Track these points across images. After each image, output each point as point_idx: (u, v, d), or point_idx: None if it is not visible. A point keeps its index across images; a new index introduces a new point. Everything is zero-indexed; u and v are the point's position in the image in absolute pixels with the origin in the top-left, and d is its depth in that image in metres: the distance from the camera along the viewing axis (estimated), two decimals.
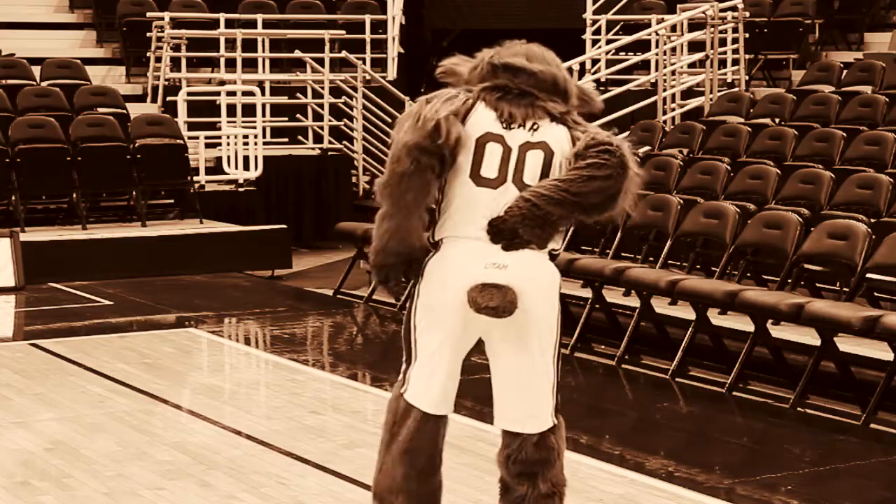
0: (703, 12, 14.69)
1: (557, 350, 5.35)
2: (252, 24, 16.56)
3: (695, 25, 15.14)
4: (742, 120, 12.78)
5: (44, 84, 14.88)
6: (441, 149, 5.07)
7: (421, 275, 5.27)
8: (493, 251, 5.10)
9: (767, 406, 8.17)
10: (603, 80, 15.79)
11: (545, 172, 5.14)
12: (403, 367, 5.35)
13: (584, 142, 5.11)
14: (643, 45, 15.88)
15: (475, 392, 8.41)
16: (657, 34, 15.07)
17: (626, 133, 13.49)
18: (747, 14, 15.21)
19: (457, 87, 5.32)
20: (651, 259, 10.31)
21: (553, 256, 5.34)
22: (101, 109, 14.47)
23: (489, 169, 5.14)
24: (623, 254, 10.58)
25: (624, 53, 16.06)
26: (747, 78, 15.23)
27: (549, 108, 5.20)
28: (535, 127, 5.18)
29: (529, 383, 5.27)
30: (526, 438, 5.27)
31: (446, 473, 6.37)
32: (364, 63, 16.16)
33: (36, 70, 15.15)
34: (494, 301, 5.08)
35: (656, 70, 14.75)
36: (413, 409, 5.29)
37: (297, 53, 16.12)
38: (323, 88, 15.99)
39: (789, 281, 9.14)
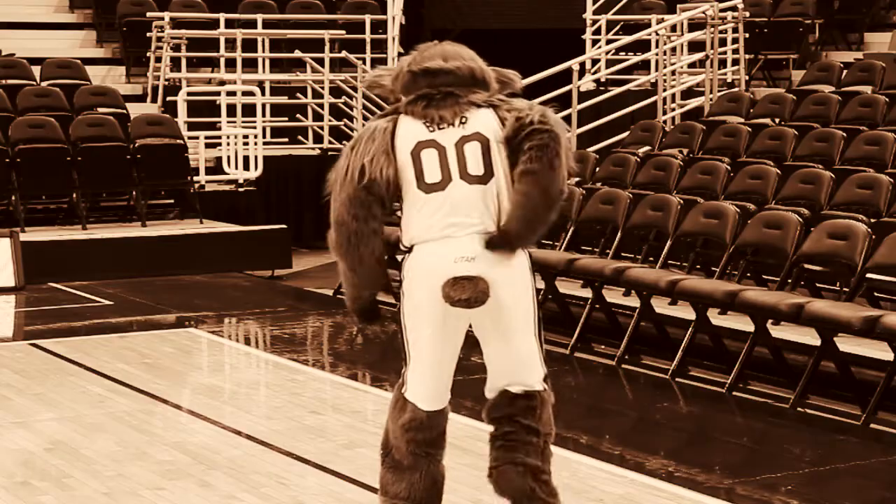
0: (703, 12, 14.68)
1: (538, 326, 5.59)
2: (252, 24, 16.56)
3: (695, 25, 15.14)
4: (742, 120, 12.77)
5: (44, 84, 14.88)
6: (375, 192, 5.44)
7: (402, 277, 5.55)
8: (460, 245, 5.39)
9: (767, 406, 8.17)
10: (603, 80, 15.79)
11: (486, 159, 5.40)
12: (403, 368, 5.62)
13: (512, 126, 5.38)
14: (643, 45, 15.88)
15: (475, 392, 8.40)
16: (657, 34, 15.07)
17: (626, 133, 13.52)
18: (747, 14, 15.21)
19: (384, 97, 5.67)
20: (651, 259, 10.31)
21: None
22: (101, 109, 14.48)
23: (432, 175, 5.42)
24: (623, 254, 10.58)
25: (624, 53, 16.06)
26: (747, 78, 15.23)
27: (472, 100, 5.46)
28: (463, 121, 5.44)
29: (517, 362, 5.58)
30: (515, 396, 5.60)
31: (447, 474, 6.38)
32: (364, 63, 16.16)
33: (36, 70, 15.15)
34: (466, 293, 5.36)
35: (656, 70, 14.75)
36: (411, 405, 5.57)
37: (297, 53, 16.12)
38: (323, 88, 15.99)
39: (789, 281, 9.14)
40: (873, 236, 8.54)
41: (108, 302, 11.49)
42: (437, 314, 5.48)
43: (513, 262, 5.50)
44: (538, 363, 5.60)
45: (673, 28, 15.27)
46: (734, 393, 8.38)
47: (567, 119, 14.03)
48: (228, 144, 14.71)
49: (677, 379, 8.73)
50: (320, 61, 16.07)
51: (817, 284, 9.54)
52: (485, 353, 5.67)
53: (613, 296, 9.79)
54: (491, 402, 5.68)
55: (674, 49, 15.16)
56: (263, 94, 15.77)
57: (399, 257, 5.65)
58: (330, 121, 16.01)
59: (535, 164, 5.34)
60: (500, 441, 5.71)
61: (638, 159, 11.57)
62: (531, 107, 5.45)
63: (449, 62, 5.52)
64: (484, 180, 5.42)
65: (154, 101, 15.71)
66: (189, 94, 15.08)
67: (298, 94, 16.38)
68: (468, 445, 7.05)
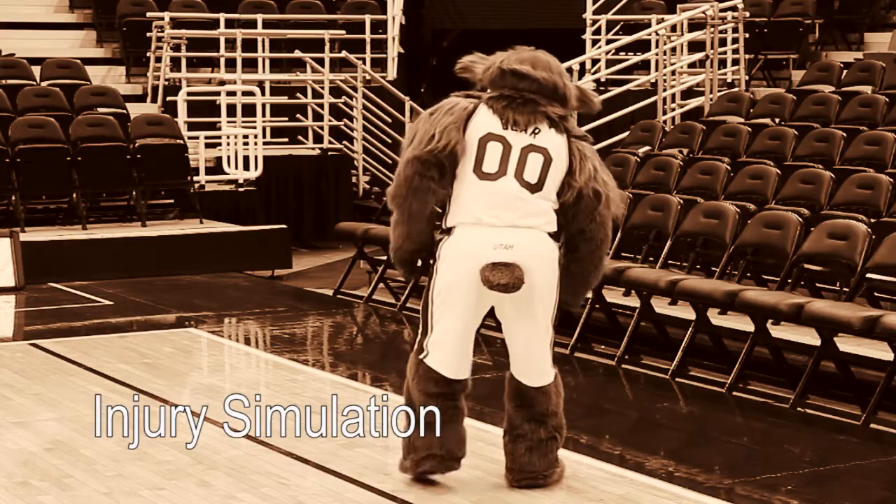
0: (703, 12, 14.69)
1: (556, 310, 6.26)
2: (252, 24, 16.55)
3: (695, 25, 15.14)
4: (742, 120, 12.77)
5: (44, 84, 14.88)
6: (439, 158, 5.98)
7: (437, 258, 6.11)
8: (500, 233, 5.98)
9: (767, 406, 8.17)
10: (603, 80, 15.79)
11: (544, 173, 6.01)
12: (419, 337, 6.25)
13: (577, 191, 6.07)
14: (643, 45, 15.88)
15: (475, 392, 8.40)
16: (657, 34, 15.07)
17: (626, 133, 13.51)
18: (747, 14, 15.21)
19: (472, 82, 6.19)
20: (651, 259, 10.31)
21: (553, 235, 6.12)
22: (101, 109, 14.47)
23: (490, 164, 6.00)
24: (623, 254, 10.58)
25: (624, 53, 16.06)
26: (747, 78, 15.23)
27: (549, 113, 6.02)
28: (536, 131, 6.03)
29: (536, 343, 6.19)
30: (537, 390, 6.22)
31: (447, 474, 6.38)
32: (364, 63, 16.16)
33: (36, 70, 15.14)
34: (505, 279, 5.92)
35: (656, 70, 14.75)
36: (435, 373, 6.16)
37: (297, 53, 16.11)
38: (323, 88, 15.99)
39: (789, 281, 9.14)
40: (873, 236, 8.55)
41: (108, 302, 11.48)
42: (472, 293, 6.02)
43: (547, 254, 6.08)
44: (550, 348, 6.24)
45: (673, 28, 15.27)
46: (734, 393, 8.38)
47: None
48: (228, 144, 14.70)
49: (677, 379, 8.73)
50: (320, 61, 16.06)
51: (817, 284, 9.54)
52: (507, 335, 6.26)
53: (613, 296, 9.79)
54: (515, 398, 6.29)
55: (674, 49, 15.16)
56: (263, 94, 15.77)
57: (437, 237, 6.16)
58: (330, 121, 16.00)
59: (593, 240, 6.16)
60: (525, 445, 6.29)
61: (638, 159, 11.57)
62: (595, 172, 6.10)
63: (537, 71, 6.04)
64: (534, 189, 6.01)
65: (154, 101, 15.71)
66: (189, 94, 15.08)
67: (298, 94, 16.37)
68: (468, 445, 7.04)
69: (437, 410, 6.19)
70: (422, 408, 6.20)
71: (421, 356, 6.20)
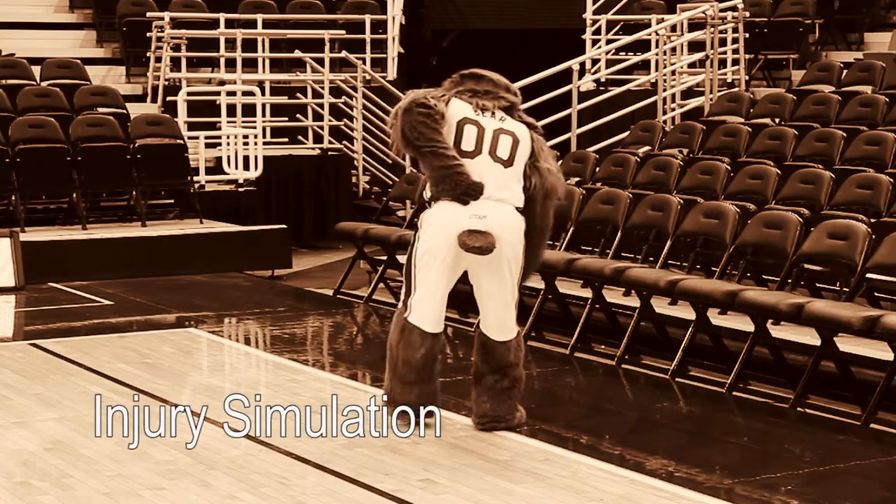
0: (703, 12, 14.69)
1: (521, 275, 7.15)
2: (252, 24, 16.56)
3: (695, 25, 15.15)
4: (742, 120, 12.77)
5: (44, 84, 14.88)
6: (433, 106, 6.95)
7: (420, 226, 7.08)
8: (476, 205, 6.94)
9: (767, 406, 8.17)
10: (603, 80, 15.80)
11: (514, 152, 7.05)
12: (403, 297, 7.16)
13: (541, 185, 7.12)
14: (643, 45, 15.89)
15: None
16: (657, 34, 15.07)
17: (626, 133, 13.52)
18: (747, 14, 15.22)
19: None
20: (651, 259, 10.31)
21: (518, 209, 7.07)
22: (101, 109, 14.47)
23: (468, 144, 7.01)
24: (623, 254, 10.58)
25: (624, 53, 16.07)
26: (747, 78, 15.24)
27: (508, 100, 7.17)
28: (502, 118, 7.12)
29: (503, 303, 7.14)
30: (501, 344, 7.16)
31: (446, 473, 6.39)
32: (364, 63, 16.16)
33: (36, 70, 15.14)
34: (479, 243, 6.86)
35: (656, 70, 14.75)
36: (416, 328, 7.05)
37: (297, 53, 16.12)
38: (323, 88, 15.99)
39: (789, 281, 9.14)
40: (873, 236, 8.54)
41: (108, 302, 11.48)
42: (450, 256, 6.97)
43: (515, 224, 7.04)
44: (514, 307, 7.18)
45: (673, 28, 15.27)
46: (734, 393, 8.38)
47: (567, 119, 14.06)
48: (228, 144, 14.71)
49: (677, 379, 8.73)
50: (320, 61, 16.07)
51: (817, 284, 9.54)
52: (478, 294, 7.18)
53: (613, 296, 9.79)
54: (483, 351, 7.19)
55: (674, 49, 15.17)
56: (263, 94, 15.77)
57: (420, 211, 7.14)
58: (330, 121, 16.01)
59: (543, 224, 7.19)
60: (488, 394, 7.21)
61: (638, 159, 11.57)
62: (550, 170, 7.16)
63: (489, 73, 7.30)
64: (506, 164, 7.03)
65: (154, 101, 15.71)
66: (189, 94, 15.08)
67: (298, 94, 16.37)
68: (468, 445, 7.05)
69: (414, 371, 7.09)
70: (404, 364, 7.09)
71: (405, 315, 7.10)
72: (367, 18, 16.87)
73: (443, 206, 6.98)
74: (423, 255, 7.03)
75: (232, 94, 15.20)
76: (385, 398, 7.33)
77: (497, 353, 7.18)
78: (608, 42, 16.39)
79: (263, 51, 16.40)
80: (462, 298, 9.22)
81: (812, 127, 11.79)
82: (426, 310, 7.06)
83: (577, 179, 11.81)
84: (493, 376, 7.20)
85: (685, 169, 11.04)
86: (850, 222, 8.74)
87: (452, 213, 6.93)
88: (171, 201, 14.53)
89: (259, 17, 16.68)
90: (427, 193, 7.07)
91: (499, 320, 7.16)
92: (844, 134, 11.24)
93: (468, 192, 6.95)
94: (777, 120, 12.61)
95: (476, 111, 7.08)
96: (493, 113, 7.10)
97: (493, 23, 20.80)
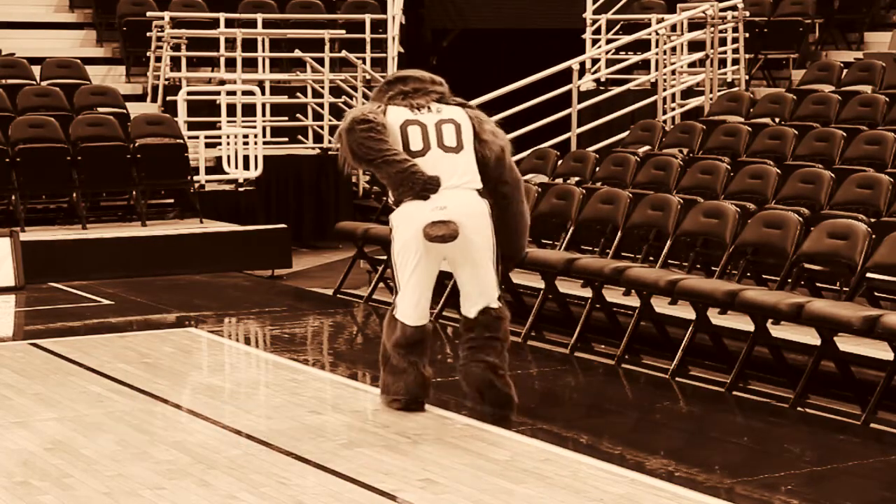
0: (703, 12, 14.69)
1: (496, 256, 7.56)
2: (252, 24, 16.55)
3: (695, 25, 15.15)
4: (742, 120, 12.77)
5: (44, 84, 14.88)
6: (373, 120, 7.38)
7: (391, 228, 7.52)
8: (435, 198, 7.34)
9: (767, 406, 8.17)
10: (603, 79, 15.79)
11: (459, 137, 7.49)
12: (393, 297, 7.64)
13: (492, 151, 7.58)
14: (643, 45, 15.88)
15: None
16: (657, 34, 15.07)
17: (626, 133, 13.52)
18: (747, 14, 15.22)
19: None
20: (651, 259, 10.31)
21: (480, 192, 7.50)
22: (101, 109, 14.47)
23: (415, 144, 7.43)
24: (623, 254, 10.57)
25: (624, 53, 16.07)
26: (747, 78, 15.24)
27: (437, 91, 7.61)
28: (439, 110, 7.53)
29: (478, 279, 7.55)
30: (483, 313, 7.55)
31: (446, 473, 6.39)
32: (364, 63, 16.16)
33: (36, 70, 15.14)
34: (440, 231, 7.27)
35: (656, 70, 14.75)
36: (401, 324, 7.52)
37: (297, 53, 16.12)
38: (323, 88, 15.99)
39: (789, 281, 9.14)
40: (873, 236, 8.54)
41: (107, 302, 11.48)
42: (420, 250, 7.39)
43: (476, 209, 7.46)
44: (496, 287, 7.58)
45: (673, 28, 15.27)
46: (734, 393, 8.38)
47: (567, 119, 14.06)
48: (228, 144, 14.70)
49: (677, 379, 8.73)
50: (320, 61, 16.07)
51: (817, 284, 9.54)
52: (457, 279, 7.65)
53: (613, 296, 9.79)
54: (465, 319, 7.60)
55: (674, 49, 15.17)
56: (263, 93, 15.76)
57: (390, 215, 7.55)
58: (330, 120, 16.00)
59: (510, 183, 7.64)
60: (469, 345, 7.57)
61: (638, 159, 11.57)
62: (493, 130, 7.64)
63: (411, 70, 7.76)
64: (457, 150, 7.46)
65: (154, 100, 15.71)
66: (189, 93, 15.07)
67: (298, 94, 16.37)
68: (468, 445, 7.05)
69: (404, 362, 7.55)
70: (394, 357, 7.57)
71: (393, 312, 7.59)
72: (367, 18, 16.86)
73: (406, 205, 7.41)
74: (398, 254, 7.49)
75: (232, 93, 15.19)
76: (380, 393, 7.84)
77: (480, 324, 7.55)
78: (608, 42, 16.39)
79: (263, 50, 16.40)
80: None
81: (812, 127, 11.79)
82: (407, 304, 7.52)
83: (577, 179, 11.82)
84: (466, 348, 7.63)
85: (685, 169, 11.04)
86: (850, 222, 8.74)
87: (415, 210, 7.36)
88: (171, 201, 14.53)
89: (259, 17, 16.67)
90: (391, 199, 7.54)
91: (476, 296, 7.56)
92: (844, 134, 11.24)
93: (426, 187, 7.33)
94: (777, 120, 12.61)
95: (413, 111, 7.49)
96: (429, 108, 7.54)
97: (493, 23, 20.79)
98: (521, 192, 7.72)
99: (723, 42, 15.19)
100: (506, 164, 7.61)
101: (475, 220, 7.43)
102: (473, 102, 13.59)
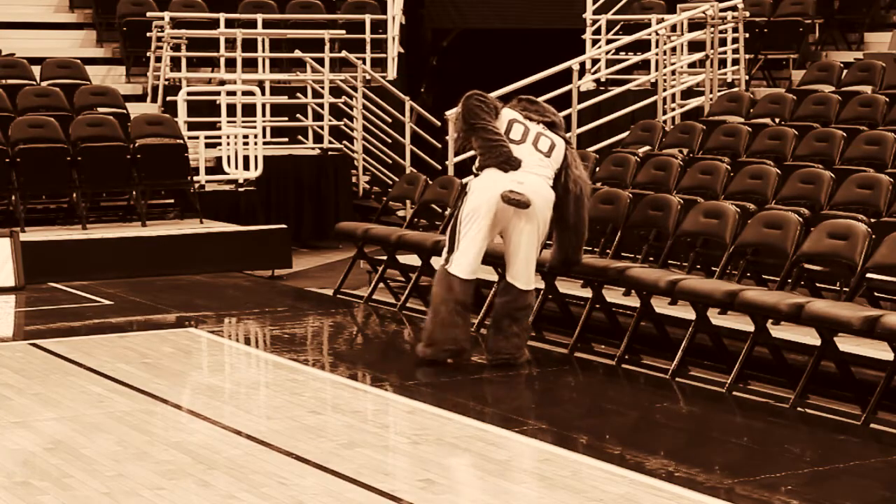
0: (703, 12, 14.69)
1: (542, 241, 8.85)
2: (252, 24, 16.56)
3: (695, 25, 15.14)
4: (742, 120, 12.77)
5: (44, 84, 14.88)
6: (488, 97, 8.84)
7: (467, 191, 8.72)
8: (515, 174, 8.64)
9: (767, 406, 8.17)
10: (603, 80, 15.79)
11: (551, 150, 8.83)
12: (446, 254, 8.71)
13: (577, 185, 8.91)
14: (643, 45, 15.88)
15: (475, 392, 8.43)
16: (657, 34, 15.07)
17: (626, 133, 13.52)
18: (747, 14, 15.21)
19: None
20: (651, 259, 10.31)
21: (550, 186, 8.79)
22: (101, 109, 14.47)
23: (515, 135, 8.81)
24: (623, 254, 10.57)
25: (624, 53, 16.07)
26: (747, 78, 15.24)
27: (549, 117, 9.01)
28: (544, 128, 8.91)
29: (529, 256, 8.76)
30: (521, 292, 8.79)
31: (446, 473, 6.39)
32: (364, 63, 16.16)
33: (36, 70, 15.14)
34: (519, 196, 8.53)
35: (656, 70, 14.75)
36: (455, 278, 8.60)
37: (297, 53, 16.12)
38: (323, 88, 16.00)
39: (789, 281, 9.14)
40: (873, 236, 8.54)
41: (108, 302, 11.49)
42: (489, 215, 8.57)
43: (547, 196, 8.72)
44: (534, 269, 8.84)
45: (673, 28, 15.27)
46: (734, 393, 8.38)
47: (567, 119, 14.06)
48: (228, 144, 14.71)
49: (677, 379, 8.73)
50: (320, 61, 16.07)
51: (817, 284, 9.54)
52: (507, 248, 8.76)
53: (613, 296, 9.79)
54: (505, 298, 8.78)
55: (674, 49, 15.16)
56: (263, 94, 15.77)
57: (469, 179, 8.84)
58: (330, 121, 16.01)
59: (578, 223, 9.00)
60: (503, 334, 8.78)
61: (638, 159, 11.56)
62: (581, 176, 8.94)
63: (538, 100, 9.20)
64: (545, 155, 8.79)
65: (154, 100, 15.71)
66: (189, 93, 15.08)
67: (298, 94, 16.37)
68: (468, 445, 7.06)
69: (455, 315, 8.58)
70: (444, 310, 8.57)
71: (447, 266, 8.62)
72: (367, 18, 16.87)
73: (487, 173, 8.65)
74: (468, 213, 8.59)
75: (232, 93, 15.20)
76: (423, 346, 8.81)
77: (518, 299, 8.75)
78: (608, 42, 16.38)
79: (263, 51, 16.40)
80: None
81: (812, 127, 11.79)
82: (464, 260, 8.59)
83: None
84: (507, 320, 8.77)
85: (685, 169, 11.03)
86: (850, 222, 8.74)
87: (495, 179, 8.60)
88: (171, 201, 14.53)
89: (259, 17, 16.68)
90: (476, 166, 8.75)
91: (524, 271, 8.73)
92: (844, 134, 11.23)
93: (509, 161, 8.63)
94: (777, 120, 12.60)
95: (523, 117, 8.89)
96: (538, 122, 8.90)
97: (493, 22, 20.80)
98: (581, 237, 9.07)
99: (723, 42, 15.19)
100: (583, 203, 8.91)
101: (543, 204, 8.67)
102: None
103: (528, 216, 8.63)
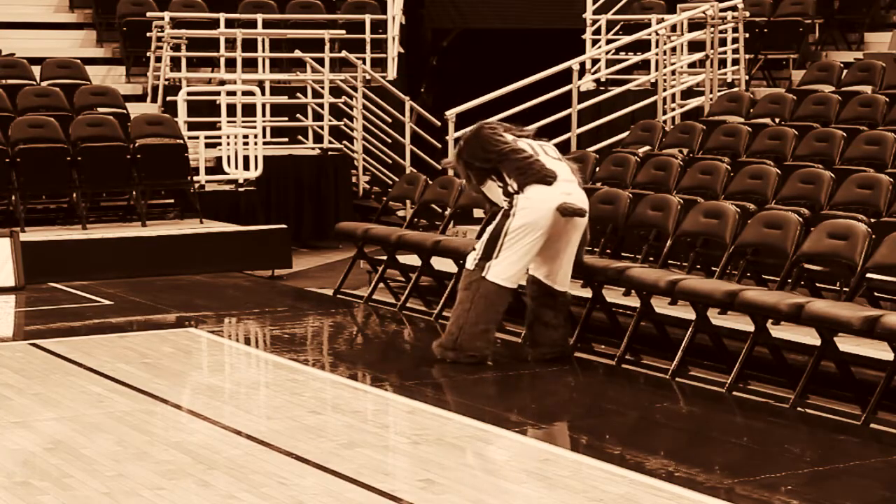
0: (703, 12, 14.69)
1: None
2: (252, 24, 16.56)
3: (695, 25, 15.14)
4: (742, 120, 12.77)
5: (44, 84, 14.88)
6: (497, 125, 9.16)
7: (514, 206, 8.78)
8: (560, 185, 8.83)
9: (767, 406, 8.17)
10: (603, 80, 15.79)
11: (558, 154, 9.19)
12: (478, 260, 8.81)
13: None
14: (643, 45, 15.88)
15: (475, 392, 8.43)
16: (657, 34, 15.07)
17: (626, 133, 13.52)
18: (747, 14, 15.21)
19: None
20: (651, 259, 10.31)
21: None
22: (101, 109, 14.47)
23: (527, 150, 8.91)
24: (623, 254, 10.58)
25: (624, 53, 16.07)
26: (747, 78, 15.24)
27: (525, 130, 9.31)
28: (536, 141, 9.21)
29: (569, 261, 9.03)
30: (561, 293, 9.06)
31: (446, 473, 6.40)
32: (364, 63, 16.16)
33: (36, 70, 15.14)
34: (576, 206, 8.78)
35: (656, 70, 14.75)
36: (495, 285, 8.75)
37: (297, 53, 16.12)
38: (323, 88, 16.00)
39: (789, 281, 9.14)
40: (873, 236, 8.54)
41: (108, 302, 11.49)
42: (544, 229, 8.73)
43: (587, 200, 8.98)
44: (568, 277, 9.12)
45: (673, 28, 15.27)
46: (734, 393, 8.38)
47: (567, 119, 14.06)
48: (228, 144, 14.71)
49: (677, 379, 8.73)
50: (320, 61, 16.07)
51: (817, 284, 9.54)
52: (550, 252, 8.90)
53: (613, 296, 9.79)
54: (543, 294, 9.01)
55: (674, 49, 15.17)
56: (263, 94, 15.77)
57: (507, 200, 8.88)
58: (330, 121, 16.01)
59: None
60: (552, 324, 9.05)
61: (638, 159, 11.56)
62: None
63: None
64: (559, 160, 9.06)
65: (154, 100, 15.71)
66: (189, 93, 15.08)
67: (298, 94, 16.37)
68: (468, 445, 7.06)
69: (487, 322, 8.79)
70: (477, 316, 8.74)
71: (483, 274, 8.76)
72: (367, 18, 16.87)
73: (533, 190, 8.77)
74: (519, 227, 8.71)
75: (232, 93, 15.20)
76: (445, 349, 8.88)
77: (557, 299, 9.01)
78: (608, 42, 16.39)
79: (263, 51, 16.40)
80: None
81: (812, 127, 11.78)
82: (512, 270, 8.77)
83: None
84: (550, 312, 9.01)
85: (685, 169, 11.03)
86: (850, 222, 8.73)
87: (547, 193, 8.77)
88: (171, 201, 14.53)
89: (259, 17, 16.68)
90: (514, 186, 8.80)
91: (563, 274, 9.00)
92: (844, 134, 11.23)
93: (547, 175, 8.79)
94: (777, 120, 12.60)
95: (517, 136, 9.09)
96: (528, 138, 9.15)
97: (493, 22, 20.80)
98: (586, 233, 9.27)
99: (723, 42, 15.19)
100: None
101: (587, 214, 8.98)
102: (473, 102, 13.67)
103: (576, 224, 8.84)
